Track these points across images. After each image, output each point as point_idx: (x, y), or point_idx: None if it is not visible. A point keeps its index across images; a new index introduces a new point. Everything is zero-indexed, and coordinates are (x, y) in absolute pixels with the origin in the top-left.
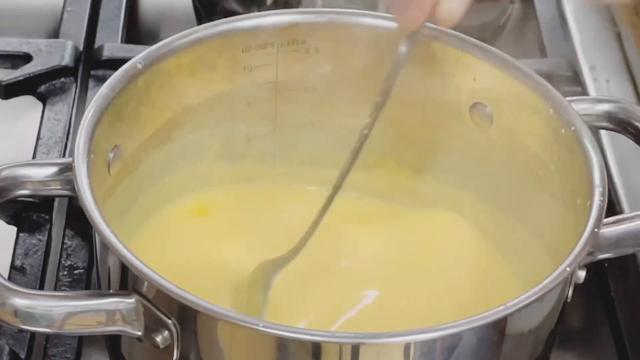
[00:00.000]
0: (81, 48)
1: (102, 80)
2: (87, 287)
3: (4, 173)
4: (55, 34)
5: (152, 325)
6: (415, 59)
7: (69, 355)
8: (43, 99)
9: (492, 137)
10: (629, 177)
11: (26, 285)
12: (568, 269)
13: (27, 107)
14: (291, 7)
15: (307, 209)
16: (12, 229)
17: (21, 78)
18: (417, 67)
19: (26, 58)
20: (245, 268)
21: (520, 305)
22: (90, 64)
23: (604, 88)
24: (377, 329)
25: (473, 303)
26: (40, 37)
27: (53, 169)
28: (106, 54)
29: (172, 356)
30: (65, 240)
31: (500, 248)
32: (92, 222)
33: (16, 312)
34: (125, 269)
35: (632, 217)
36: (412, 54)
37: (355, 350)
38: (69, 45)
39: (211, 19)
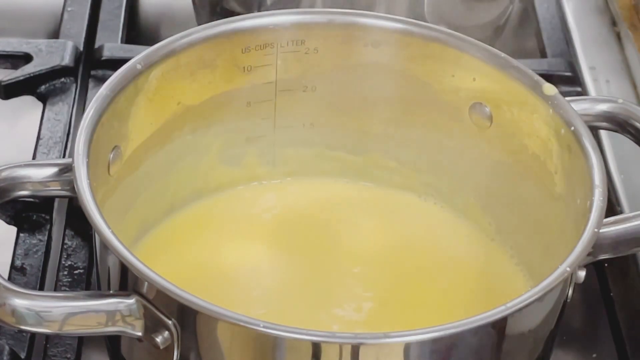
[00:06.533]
0: (81, 48)
1: (102, 80)
2: (87, 288)
3: (4, 173)
4: (55, 34)
5: (152, 326)
6: (416, 58)
7: (69, 355)
8: (43, 99)
9: (491, 137)
10: (629, 177)
11: (26, 286)
12: (568, 269)
13: (27, 107)
14: (291, 7)
15: (308, 209)
16: (12, 229)
17: (21, 78)
18: (417, 67)
19: (26, 58)
20: (246, 267)
21: (520, 305)
22: (90, 64)
23: (604, 88)
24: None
25: (474, 302)
26: (41, 37)
27: (53, 170)
28: (106, 54)
29: (172, 356)
30: (65, 240)
31: (500, 248)
32: (92, 222)
33: (16, 313)
34: (125, 270)
35: (632, 217)
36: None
37: (355, 350)
38: (69, 45)
39: (211, 19)
